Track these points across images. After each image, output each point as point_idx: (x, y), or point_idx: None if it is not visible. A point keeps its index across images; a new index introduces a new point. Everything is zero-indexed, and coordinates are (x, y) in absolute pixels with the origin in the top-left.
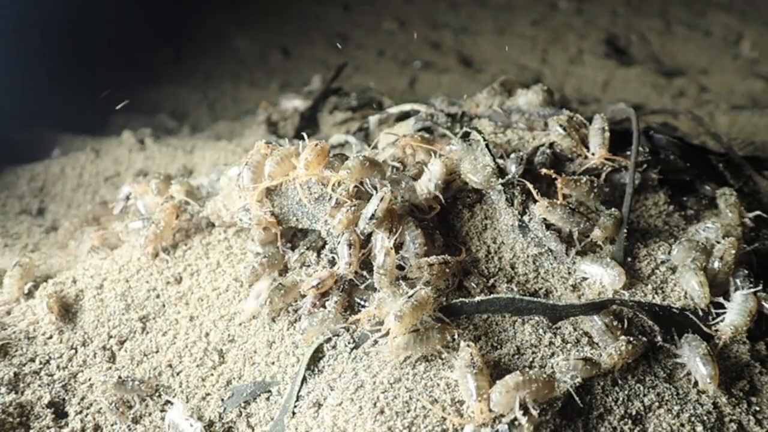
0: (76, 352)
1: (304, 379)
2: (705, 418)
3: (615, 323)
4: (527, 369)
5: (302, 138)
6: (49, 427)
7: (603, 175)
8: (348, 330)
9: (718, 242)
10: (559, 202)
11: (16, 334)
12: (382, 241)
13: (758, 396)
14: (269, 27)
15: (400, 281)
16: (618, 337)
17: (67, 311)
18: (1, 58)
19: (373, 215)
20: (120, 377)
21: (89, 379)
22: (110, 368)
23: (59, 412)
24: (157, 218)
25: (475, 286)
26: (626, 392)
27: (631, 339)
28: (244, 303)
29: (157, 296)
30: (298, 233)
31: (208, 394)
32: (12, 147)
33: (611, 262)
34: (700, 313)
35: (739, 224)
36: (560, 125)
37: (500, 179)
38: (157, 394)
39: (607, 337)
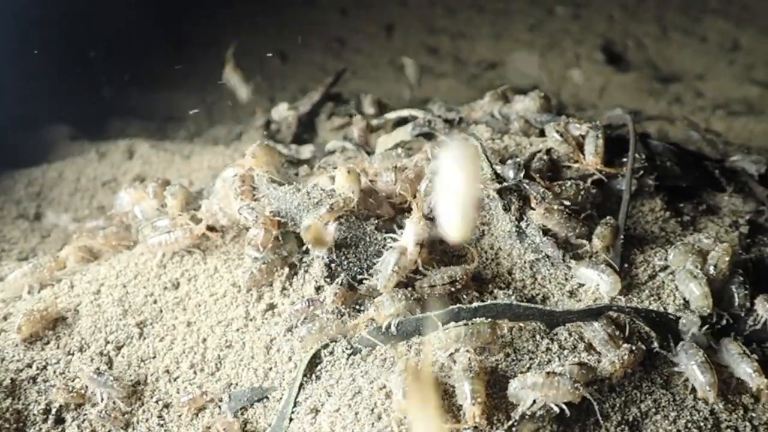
0: (73, 357)
1: (301, 385)
2: (702, 424)
3: (617, 333)
4: (553, 374)
5: (299, 143)
6: None
7: (589, 180)
8: (345, 336)
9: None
10: (556, 207)
11: (13, 339)
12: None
13: (755, 402)
14: (267, 32)
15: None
16: (620, 345)
17: (64, 318)
18: None
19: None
20: (98, 369)
21: (86, 386)
22: (68, 361)
23: (56, 419)
24: (176, 234)
25: (465, 297)
26: (623, 398)
27: (633, 348)
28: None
29: (155, 302)
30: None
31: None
32: (9, 151)
33: (607, 269)
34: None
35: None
36: (557, 131)
37: (497, 185)
38: (136, 397)
39: (609, 346)
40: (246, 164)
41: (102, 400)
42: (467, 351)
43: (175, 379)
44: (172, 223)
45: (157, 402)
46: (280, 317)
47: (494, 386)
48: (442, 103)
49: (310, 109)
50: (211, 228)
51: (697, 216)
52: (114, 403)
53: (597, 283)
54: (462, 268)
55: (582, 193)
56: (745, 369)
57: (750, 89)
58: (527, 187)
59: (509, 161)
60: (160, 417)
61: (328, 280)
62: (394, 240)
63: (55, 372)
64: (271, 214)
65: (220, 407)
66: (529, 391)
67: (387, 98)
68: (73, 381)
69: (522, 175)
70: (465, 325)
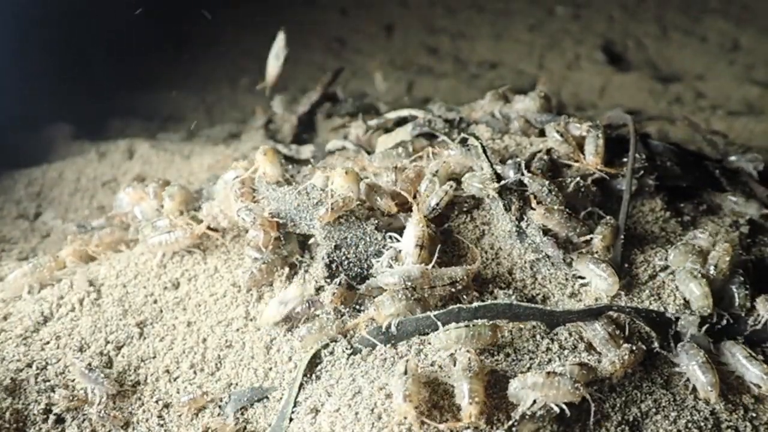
0: (68, 356)
1: (301, 385)
2: (702, 424)
3: (617, 332)
4: (553, 374)
5: (299, 143)
6: None
7: (589, 179)
8: (345, 336)
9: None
10: (556, 207)
11: (13, 339)
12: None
13: (755, 402)
14: (267, 31)
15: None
16: (620, 345)
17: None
18: None
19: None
20: (90, 365)
21: (85, 387)
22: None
23: (56, 418)
24: (176, 234)
25: (465, 297)
26: (624, 398)
27: (633, 348)
28: (265, 308)
29: (155, 302)
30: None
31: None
32: (9, 151)
33: (608, 269)
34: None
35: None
36: (557, 131)
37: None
38: (136, 397)
39: (610, 346)
40: (257, 162)
41: (95, 397)
42: (467, 351)
43: (175, 379)
44: (171, 224)
45: (157, 402)
46: None
47: (494, 386)
48: (442, 103)
49: (309, 108)
50: (211, 228)
51: (698, 216)
52: (105, 400)
53: (596, 280)
54: (463, 269)
55: (582, 190)
56: (756, 372)
57: (750, 89)
58: (532, 182)
59: (509, 161)
60: (160, 417)
61: (328, 280)
62: (397, 240)
63: (55, 372)
64: (270, 216)
65: (220, 407)
66: (530, 391)
67: (387, 98)
68: (73, 381)
69: (527, 171)
70: (466, 326)
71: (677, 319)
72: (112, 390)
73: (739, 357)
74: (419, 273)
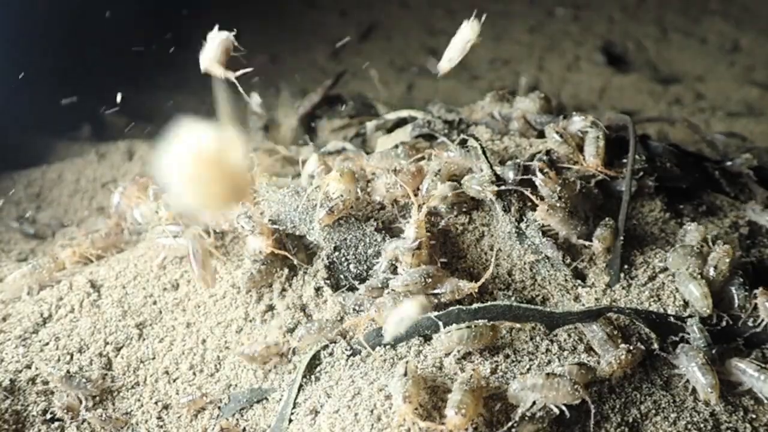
0: (72, 358)
1: (300, 387)
2: (702, 426)
3: (615, 332)
4: (553, 375)
5: (300, 144)
6: None
7: (593, 182)
8: (344, 337)
9: (704, 246)
10: (558, 205)
11: (12, 340)
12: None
13: (755, 404)
14: (267, 33)
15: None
16: (618, 345)
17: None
18: None
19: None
20: (68, 372)
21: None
22: (67, 361)
23: (55, 419)
24: (182, 241)
25: (465, 299)
26: (623, 400)
27: (631, 348)
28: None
29: (154, 303)
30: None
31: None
32: (9, 151)
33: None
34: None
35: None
36: (557, 132)
37: (496, 186)
38: (108, 394)
39: (608, 346)
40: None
41: (81, 401)
42: (474, 370)
43: (174, 380)
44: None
45: (156, 403)
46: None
47: (494, 388)
48: (442, 105)
49: (309, 110)
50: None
51: (697, 217)
52: (92, 403)
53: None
54: (452, 285)
55: (584, 190)
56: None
57: (750, 91)
58: (543, 185)
59: (509, 162)
60: (159, 418)
61: (328, 281)
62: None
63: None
64: (270, 222)
65: (219, 408)
66: (529, 392)
67: (387, 99)
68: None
69: (537, 168)
70: (468, 327)
71: (677, 320)
72: (96, 391)
73: (751, 372)
74: (434, 268)
